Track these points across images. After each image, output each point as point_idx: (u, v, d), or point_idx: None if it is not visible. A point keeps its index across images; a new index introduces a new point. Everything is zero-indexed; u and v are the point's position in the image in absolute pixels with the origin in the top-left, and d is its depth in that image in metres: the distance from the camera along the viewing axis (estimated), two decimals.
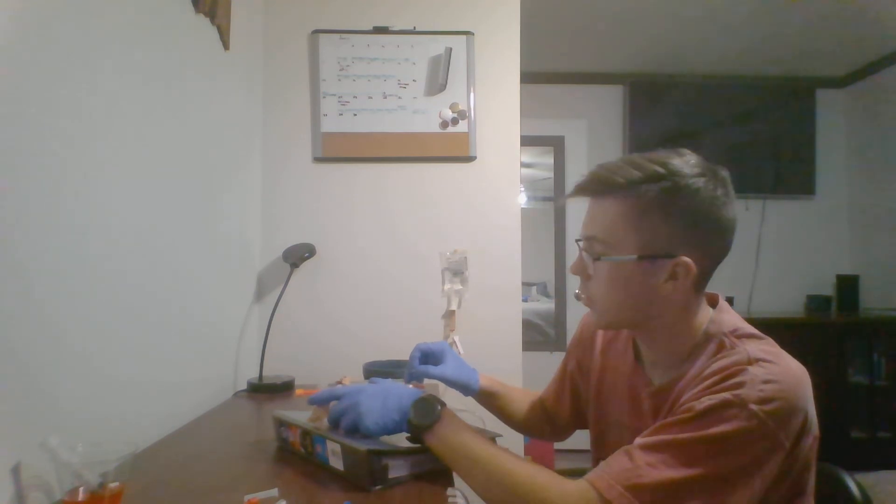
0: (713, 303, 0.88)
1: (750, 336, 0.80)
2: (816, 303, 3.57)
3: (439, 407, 0.86)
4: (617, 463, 0.73)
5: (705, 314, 0.86)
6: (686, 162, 0.81)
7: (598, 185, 0.84)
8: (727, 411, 0.69)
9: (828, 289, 3.63)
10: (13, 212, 0.76)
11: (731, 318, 0.84)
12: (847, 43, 3.30)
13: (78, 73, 0.91)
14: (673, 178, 0.79)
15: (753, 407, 0.69)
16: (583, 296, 0.89)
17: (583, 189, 0.85)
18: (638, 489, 0.69)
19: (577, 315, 3.71)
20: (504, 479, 0.77)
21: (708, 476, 0.69)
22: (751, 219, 3.67)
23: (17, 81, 0.77)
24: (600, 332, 1.05)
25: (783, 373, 0.72)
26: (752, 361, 0.73)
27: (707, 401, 0.71)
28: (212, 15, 1.45)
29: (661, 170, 0.80)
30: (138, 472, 0.82)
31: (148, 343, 1.15)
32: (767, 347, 0.77)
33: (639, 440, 0.74)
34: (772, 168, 3.64)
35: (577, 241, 0.90)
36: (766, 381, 0.70)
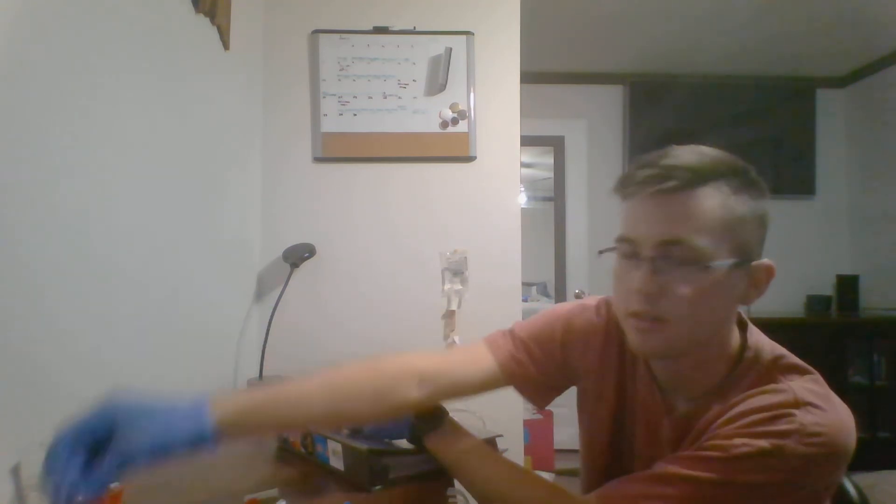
0: (739, 321, 0.78)
1: (794, 368, 0.71)
2: (816, 303, 3.55)
3: (441, 413, 0.86)
4: (631, 486, 0.69)
5: (735, 334, 0.76)
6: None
7: (692, 176, 0.67)
8: (764, 461, 0.62)
9: (828, 289, 3.62)
10: (14, 212, 0.76)
11: (768, 344, 0.75)
12: (847, 43, 3.29)
13: (78, 74, 0.91)
14: (750, 171, 0.71)
15: (794, 462, 0.62)
16: (649, 315, 0.69)
17: (666, 179, 0.67)
18: None
19: None
20: (505, 490, 0.76)
21: None
22: None
23: (16, 82, 0.77)
24: (598, 347, 0.86)
25: (832, 423, 0.64)
26: (799, 404, 0.65)
27: (743, 446, 0.63)
28: (212, 15, 1.45)
29: (739, 161, 0.71)
30: (138, 472, 0.82)
31: (148, 343, 1.15)
32: (815, 387, 0.68)
33: (659, 467, 0.69)
34: (772, 168, 3.62)
35: (620, 249, 0.73)
36: (813, 434, 0.63)
